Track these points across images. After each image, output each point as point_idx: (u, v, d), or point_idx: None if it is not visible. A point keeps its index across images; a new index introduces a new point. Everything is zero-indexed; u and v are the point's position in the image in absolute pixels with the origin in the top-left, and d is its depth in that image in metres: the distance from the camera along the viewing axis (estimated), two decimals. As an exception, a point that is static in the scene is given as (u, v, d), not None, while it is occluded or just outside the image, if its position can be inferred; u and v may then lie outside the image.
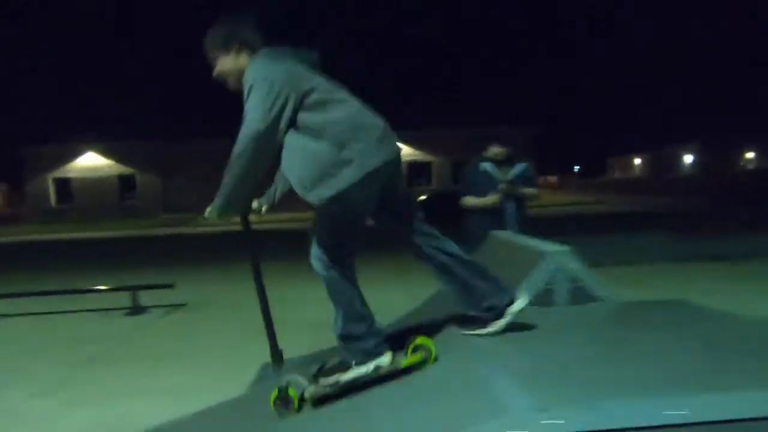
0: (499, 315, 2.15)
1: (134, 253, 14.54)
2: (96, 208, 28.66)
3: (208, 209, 2.09)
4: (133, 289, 5.96)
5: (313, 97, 2.00)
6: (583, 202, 28.35)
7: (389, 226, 2.21)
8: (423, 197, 19.58)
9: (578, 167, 73.44)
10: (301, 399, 2.08)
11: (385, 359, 2.08)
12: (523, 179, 3.98)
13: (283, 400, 2.09)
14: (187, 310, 6.13)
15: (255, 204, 2.37)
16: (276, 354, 2.24)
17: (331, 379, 2.09)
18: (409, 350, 2.13)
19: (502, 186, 3.88)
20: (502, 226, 3.82)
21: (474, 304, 2.19)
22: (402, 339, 2.18)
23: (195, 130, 30.09)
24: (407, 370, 2.05)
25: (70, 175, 29.33)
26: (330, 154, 1.95)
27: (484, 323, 2.17)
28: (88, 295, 6.41)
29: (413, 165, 30.25)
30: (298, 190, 2.05)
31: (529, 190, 4.01)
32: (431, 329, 2.34)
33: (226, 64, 2.18)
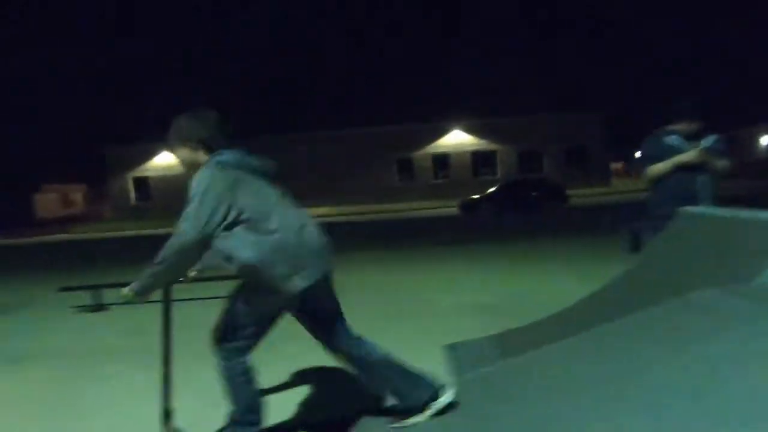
0: (422, 410, 2.27)
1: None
2: (174, 204, 29.94)
3: (125, 290, 2.26)
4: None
5: (246, 215, 2.17)
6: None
7: (311, 328, 2.37)
8: (492, 189, 19.30)
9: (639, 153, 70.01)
10: None
11: None
12: (716, 152, 3.60)
13: None
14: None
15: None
16: (167, 411, 2.41)
17: None
18: None
19: (697, 151, 3.52)
20: (693, 202, 3.44)
21: (399, 400, 2.34)
22: None
23: (264, 127, 30.77)
24: None
25: (148, 173, 30.84)
26: (254, 267, 2.13)
27: (407, 415, 2.29)
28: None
29: (477, 154, 29.88)
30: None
31: (722, 162, 3.61)
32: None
33: (183, 154, 2.40)
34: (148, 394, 3.26)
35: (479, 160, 29.85)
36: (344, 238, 13.32)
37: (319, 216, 24.50)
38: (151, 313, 5.75)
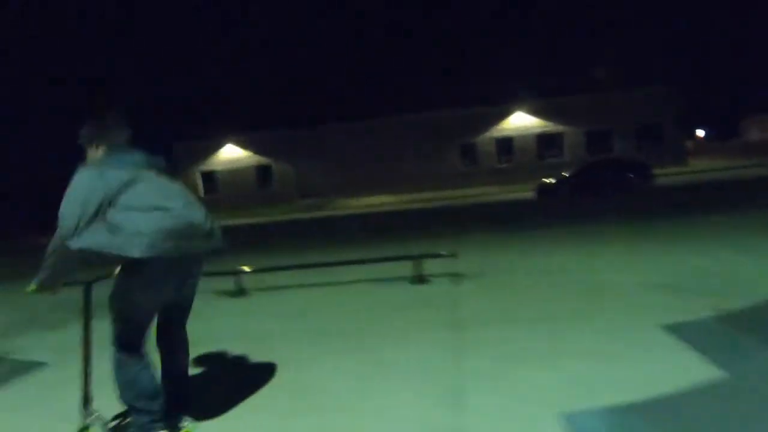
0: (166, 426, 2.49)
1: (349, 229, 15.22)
2: (238, 197, 30.67)
3: (32, 284, 2.49)
4: (418, 258, 5.96)
5: (120, 201, 2.33)
6: (738, 166, 25.67)
7: (162, 311, 2.60)
8: (570, 171, 18.68)
9: (703, 130, 66.25)
10: None
11: None
12: None
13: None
14: (470, 280, 5.91)
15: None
16: (86, 397, 2.55)
17: None
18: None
19: None
20: None
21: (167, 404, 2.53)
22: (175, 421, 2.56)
23: (325, 116, 30.97)
24: None
25: (215, 167, 31.57)
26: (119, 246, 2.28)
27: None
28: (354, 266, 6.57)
29: (542, 137, 29.10)
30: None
31: None
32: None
33: (91, 155, 2.59)
34: (362, 374, 3.27)
35: (544, 142, 29.06)
36: (439, 224, 13.19)
37: (382, 204, 24.19)
38: (293, 297, 5.99)
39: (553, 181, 18.47)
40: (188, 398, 2.70)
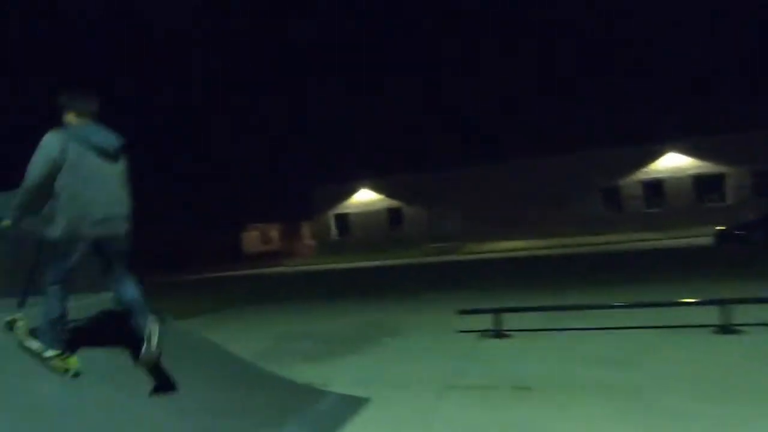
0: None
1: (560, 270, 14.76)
2: (369, 239, 31.18)
3: (4, 222, 3.22)
4: (724, 302, 5.29)
5: (61, 176, 3.04)
6: None
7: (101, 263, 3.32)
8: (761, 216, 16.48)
9: None
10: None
11: (49, 353, 3.14)
12: None
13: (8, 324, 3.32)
14: None
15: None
16: (24, 298, 3.52)
17: (19, 334, 3.28)
18: (64, 357, 3.18)
19: None
20: None
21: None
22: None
23: (455, 160, 30.85)
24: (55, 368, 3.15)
25: (348, 210, 32.56)
26: (54, 215, 3.07)
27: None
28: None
29: (700, 179, 26.33)
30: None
31: None
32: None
33: (65, 120, 3.20)
34: None
35: (703, 185, 26.24)
36: (627, 269, 12.15)
37: (518, 249, 23.07)
38: (558, 344, 5.43)
39: (735, 226, 16.47)
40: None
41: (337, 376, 4.77)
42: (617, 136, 28.46)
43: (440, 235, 29.80)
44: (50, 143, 3.02)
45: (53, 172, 3.00)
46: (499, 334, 5.89)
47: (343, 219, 32.74)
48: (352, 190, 32.37)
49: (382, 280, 15.35)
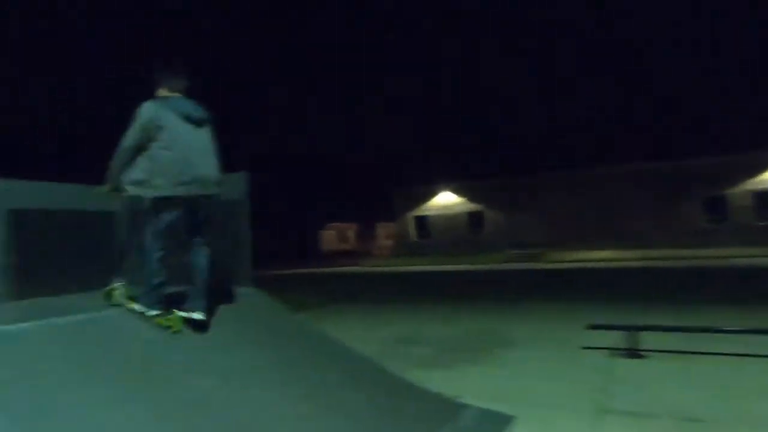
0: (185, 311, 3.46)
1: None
2: (448, 242, 30.72)
3: (105, 188, 3.63)
4: None
5: (157, 141, 3.34)
6: None
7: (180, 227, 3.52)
8: None
9: None
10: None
11: (152, 312, 3.38)
12: None
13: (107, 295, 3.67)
14: None
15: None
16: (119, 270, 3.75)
17: (120, 299, 3.56)
18: (167, 317, 3.41)
19: None
20: None
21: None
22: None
23: (539, 163, 29.75)
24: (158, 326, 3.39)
25: (428, 212, 32.27)
26: (150, 177, 3.37)
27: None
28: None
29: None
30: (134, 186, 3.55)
31: None
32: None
33: (157, 93, 3.55)
34: None
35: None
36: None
37: (605, 260, 21.65)
38: (709, 369, 4.79)
39: None
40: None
41: (466, 388, 4.48)
42: (724, 142, 26.34)
43: (521, 241, 28.85)
44: (146, 111, 3.36)
45: (147, 135, 3.32)
46: (633, 353, 5.38)
47: (422, 221, 32.48)
48: (433, 193, 32.04)
49: (472, 285, 14.94)
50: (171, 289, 3.59)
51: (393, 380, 4.24)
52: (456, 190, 31.60)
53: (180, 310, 3.46)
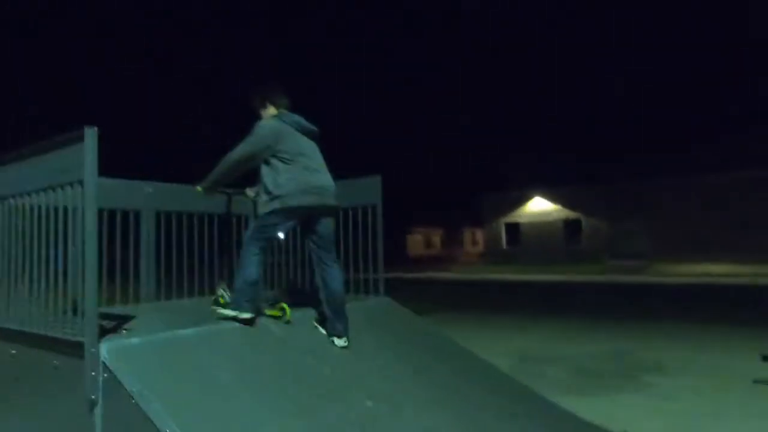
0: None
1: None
2: (541, 251, 29.42)
3: (199, 186, 3.72)
4: None
5: (280, 154, 3.40)
6: None
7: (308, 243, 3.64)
8: None
9: None
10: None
11: (245, 315, 3.28)
12: None
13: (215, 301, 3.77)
14: None
15: (250, 192, 4.30)
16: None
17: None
18: (276, 306, 3.56)
19: None
20: None
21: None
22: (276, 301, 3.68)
23: (643, 170, 27.70)
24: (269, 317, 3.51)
25: (520, 219, 31.13)
26: (275, 188, 3.38)
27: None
28: None
29: None
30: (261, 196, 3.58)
31: None
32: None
33: (263, 115, 3.65)
34: None
35: None
36: None
37: (722, 275, 19.49)
38: None
39: None
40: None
41: (627, 422, 3.93)
42: None
43: (623, 252, 27.02)
44: (266, 128, 3.47)
45: (267, 148, 3.39)
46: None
47: (513, 228, 31.38)
48: (525, 198, 30.86)
49: (579, 298, 14.02)
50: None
51: (551, 409, 3.80)
52: (550, 197, 30.23)
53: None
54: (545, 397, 3.93)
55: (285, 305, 3.50)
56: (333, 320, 3.46)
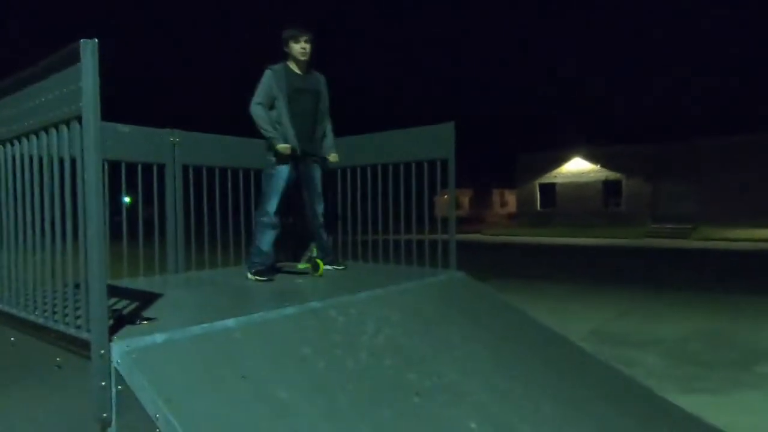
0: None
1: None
2: (578, 213, 28.25)
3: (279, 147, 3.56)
4: None
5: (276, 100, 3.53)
6: None
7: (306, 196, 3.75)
8: None
9: None
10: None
11: (260, 277, 3.37)
12: None
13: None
14: None
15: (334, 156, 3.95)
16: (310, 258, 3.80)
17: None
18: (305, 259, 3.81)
19: None
20: None
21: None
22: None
23: (693, 129, 26.07)
24: (301, 272, 3.67)
25: (555, 180, 29.84)
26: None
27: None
28: None
29: None
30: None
31: None
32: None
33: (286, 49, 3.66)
34: None
35: None
36: None
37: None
38: None
39: None
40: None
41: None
42: None
43: (668, 215, 25.68)
44: (266, 79, 3.52)
45: (269, 101, 3.49)
46: None
47: (548, 189, 30.11)
48: (562, 159, 29.45)
49: (637, 264, 13.06)
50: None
51: (656, 402, 3.01)
52: (589, 157, 28.75)
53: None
54: (666, 399, 3.14)
55: (319, 260, 3.56)
56: (327, 250, 3.89)
